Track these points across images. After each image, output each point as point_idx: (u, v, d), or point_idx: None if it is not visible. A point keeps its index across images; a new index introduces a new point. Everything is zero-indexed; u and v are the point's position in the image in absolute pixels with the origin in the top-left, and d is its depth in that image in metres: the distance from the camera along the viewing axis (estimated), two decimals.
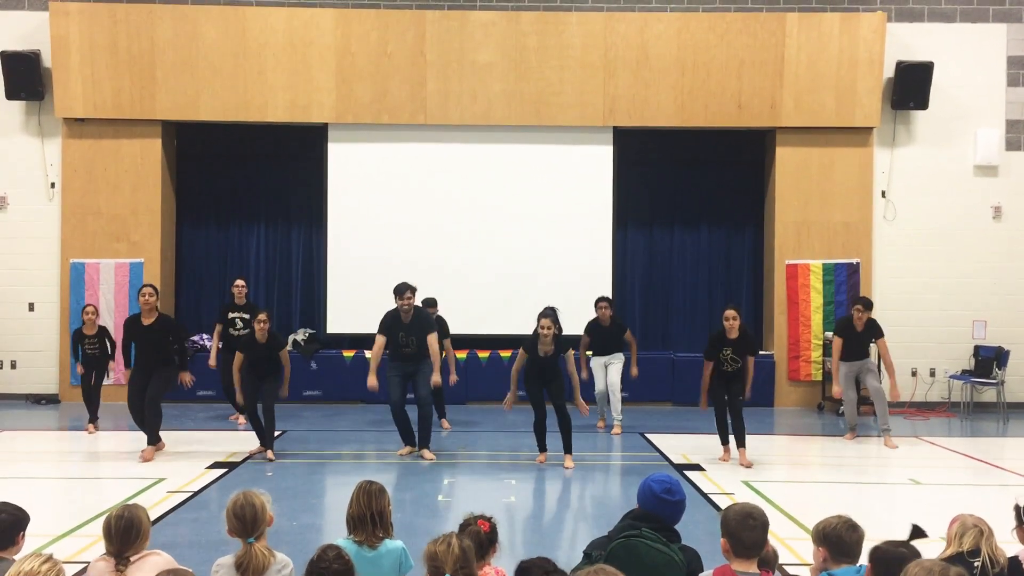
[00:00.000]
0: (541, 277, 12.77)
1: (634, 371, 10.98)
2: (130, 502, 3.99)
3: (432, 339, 9.30)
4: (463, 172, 13.15)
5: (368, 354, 12.63)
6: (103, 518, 3.78)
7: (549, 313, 8.86)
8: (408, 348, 9.25)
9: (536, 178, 13.15)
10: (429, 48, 12.80)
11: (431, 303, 10.79)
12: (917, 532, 3.37)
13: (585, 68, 12.83)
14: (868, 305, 10.42)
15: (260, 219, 13.86)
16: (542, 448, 9.15)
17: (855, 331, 10.26)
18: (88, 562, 5.63)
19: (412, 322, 9.26)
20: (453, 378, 10.80)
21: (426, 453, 9.26)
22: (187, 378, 9.27)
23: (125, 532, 3.69)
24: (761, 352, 12.62)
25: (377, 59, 12.80)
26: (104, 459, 9.35)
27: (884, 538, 3.46)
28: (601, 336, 10.77)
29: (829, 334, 12.76)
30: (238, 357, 9.20)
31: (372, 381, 9.26)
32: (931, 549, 4.19)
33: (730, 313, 9.14)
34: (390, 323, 9.30)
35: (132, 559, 3.67)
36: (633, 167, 13.66)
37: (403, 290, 9.25)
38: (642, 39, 12.83)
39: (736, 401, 9.11)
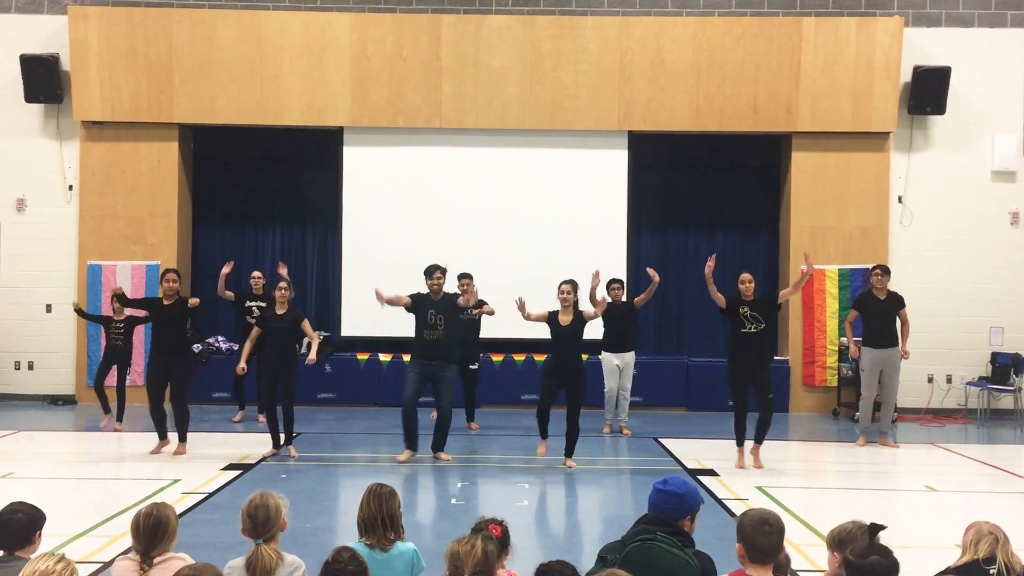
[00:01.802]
0: (555, 281, 12.64)
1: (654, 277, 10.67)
2: (159, 501, 4.01)
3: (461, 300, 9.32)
4: (478, 176, 13.18)
5: (383, 356, 12.75)
6: (132, 515, 3.81)
7: (571, 280, 8.98)
8: (435, 332, 9.07)
9: (551, 182, 13.15)
10: (444, 52, 12.83)
11: (467, 276, 10.58)
12: (876, 529, 3.33)
13: (600, 72, 12.84)
14: (886, 270, 10.35)
15: (275, 222, 13.93)
16: (543, 434, 9.14)
17: (877, 301, 10.13)
18: (103, 562, 5.69)
19: (443, 301, 9.20)
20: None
21: (442, 455, 9.27)
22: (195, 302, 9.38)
23: (152, 530, 3.71)
24: (776, 357, 12.63)
25: (393, 63, 12.84)
26: (120, 460, 9.41)
27: (899, 545, 3.43)
28: (613, 318, 10.66)
29: (844, 340, 12.72)
30: (254, 331, 9.36)
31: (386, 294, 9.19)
32: (946, 557, 4.17)
33: (745, 276, 9.16)
34: (420, 299, 9.21)
35: (156, 560, 3.68)
36: (648, 171, 13.65)
37: (432, 270, 9.26)
38: (658, 43, 12.82)
39: (767, 399, 8.93)
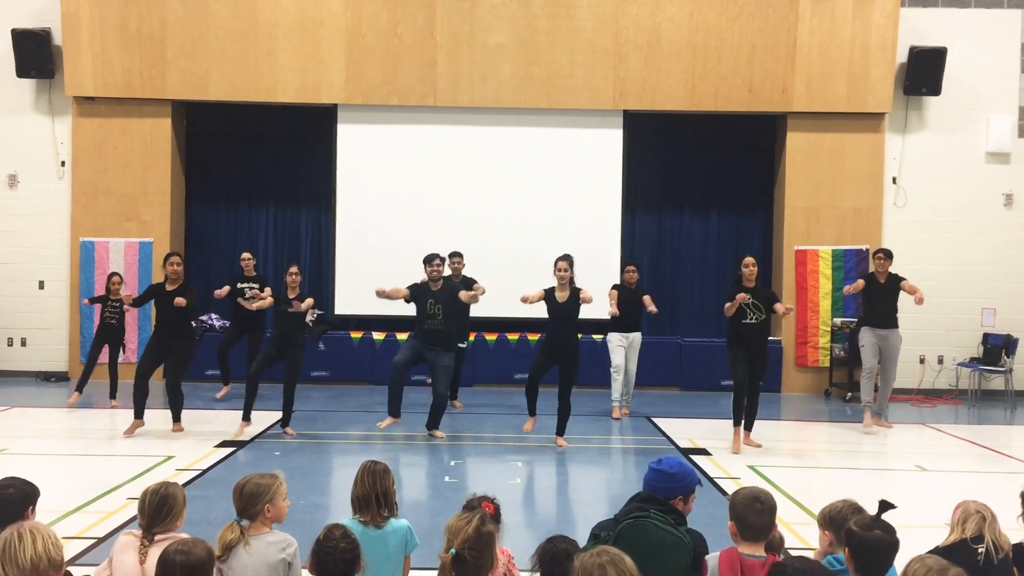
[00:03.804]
0: (549, 260, 12.68)
1: (652, 308, 10.58)
2: (170, 480, 4.03)
3: (464, 294, 9.37)
4: (472, 155, 13.14)
5: (376, 335, 12.76)
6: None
7: (566, 256, 8.93)
8: (434, 320, 9.11)
9: (545, 161, 13.13)
10: (439, 30, 12.76)
11: (457, 255, 10.76)
12: (885, 506, 3.36)
13: (596, 51, 12.78)
14: (889, 254, 10.25)
15: (269, 199, 13.89)
16: (531, 410, 9.18)
17: (878, 285, 10.11)
18: (97, 538, 5.71)
19: (442, 291, 9.23)
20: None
21: (436, 433, 9.31)
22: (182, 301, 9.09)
23: (157, 508, 3.72)
24: (769, 338, 12.64)
25: (387, 40, 12.77)
26: (114, 437, 9.39)
27: (891, 523, 3.46)
28: (624, 301, 10.60)
29: (838, 320, 12.77)
30: (270, 300, 9.48)
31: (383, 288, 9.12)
32: (935, 536, 4.20)
33: (749, 260, 9.00)
34: (419, 290, 9.25)
35: (158, 538, 3.68)
36: (643, 151, 13.63)
37: (431, 258, 9.29)
38: (653, 22, 12.76)
39: (756, 384, 8.97)
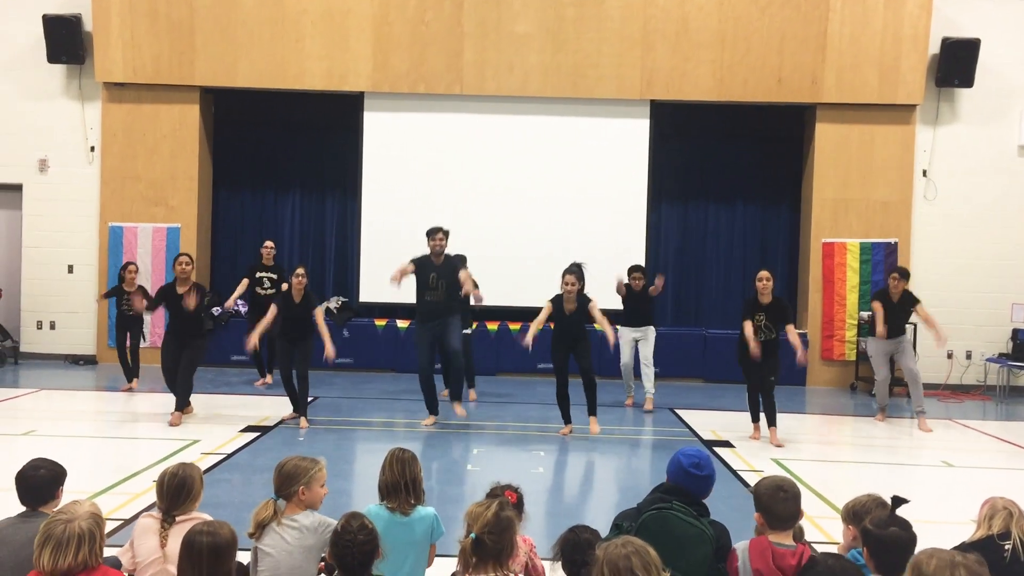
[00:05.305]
0: (573, 250, 12.62)
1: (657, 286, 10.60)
2: (186, 461, 4.07)
3: (464, 274, 9.21)
4: (498, 143, 13.12)
5: (400, 323, 12.79)
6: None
7: (574, 269, 8.84)
8: (435, 293, 9.09)
9: (571, 151, 13.08)
10: (467, 18, 12.73)
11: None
12: (899, 501, 3.33)
13: (623, 40, 12.71)
14: (905, 274, 10.18)
15: (295, 186, 13.95)
16: (566, 419, 9.13)
17: (890, 302, 10.05)
18: (123, 519, 5.77)
19: (443, 265, 9.20)
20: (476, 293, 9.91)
21: (458, 407, 9.31)
22: (191, 301, 8.94)
23: (177, 490, 3.78)
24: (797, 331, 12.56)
25: (414, 28, 12.76)
26: (140, 420, 9.50)
27: (915, 519, 3.43)
28: (632, 300, 10.62)
29: (865, 314, 12.65)
30: (272, 312, 9.17)
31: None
32: (962, 532, 4.16)
33: (763, 274, 8.94)
34: (421, 262, 9.18)
35: (179, 519, 3.73)
36: (669, 141, 13.54)
37: (434, 231, 9.23)
38: (682, 11, 12.67)
39: (768, 381, 8.91)
